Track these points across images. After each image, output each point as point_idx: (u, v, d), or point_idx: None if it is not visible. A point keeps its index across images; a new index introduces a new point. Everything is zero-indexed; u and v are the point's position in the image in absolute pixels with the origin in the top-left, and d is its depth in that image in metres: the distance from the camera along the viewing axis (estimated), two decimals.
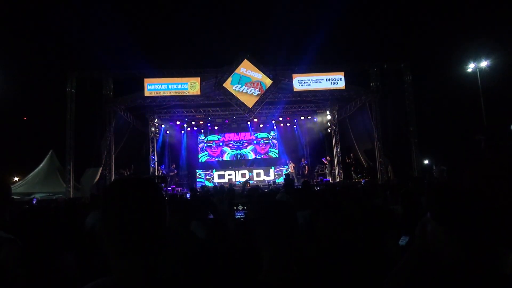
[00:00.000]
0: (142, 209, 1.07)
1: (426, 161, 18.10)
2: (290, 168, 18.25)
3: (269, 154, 21.93)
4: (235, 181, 18.79)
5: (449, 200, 1.37)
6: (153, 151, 17.85)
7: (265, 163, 21.18)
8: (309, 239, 2.78)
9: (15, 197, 16.09)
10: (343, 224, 2.72)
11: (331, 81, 16.26)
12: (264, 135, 21.95)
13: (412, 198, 3.37)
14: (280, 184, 16.74)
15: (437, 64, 17.74)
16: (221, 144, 21.83)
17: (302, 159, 19.75)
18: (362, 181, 15.62)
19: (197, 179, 19.77)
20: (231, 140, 21.93)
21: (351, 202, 3.96)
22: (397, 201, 4.28)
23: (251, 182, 17.86)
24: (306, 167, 19.21)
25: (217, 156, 21.81)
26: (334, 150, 18.91)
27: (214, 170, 20.20)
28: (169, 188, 17.09)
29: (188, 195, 11.10)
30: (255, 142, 21.95)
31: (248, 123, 20.05)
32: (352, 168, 18.13)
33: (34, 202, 11.85)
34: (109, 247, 1.07)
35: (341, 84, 16.31)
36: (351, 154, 18.51)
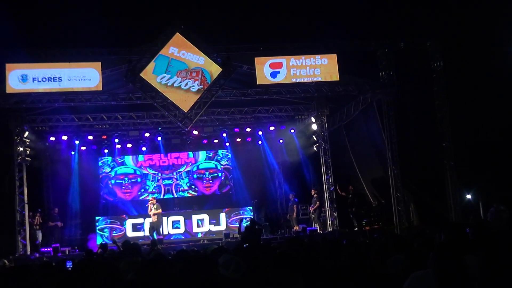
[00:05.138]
0: None
1: (468, 196, 17.32)
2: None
3: (219, 188, 22.02)
4: (165, 234, 18.07)
5: None
6: (21, 185, 16.59)
7: (213, 203, 20.53)
8: None
9: None
10: None
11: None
12: (211, 164, 22.00)
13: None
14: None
15: (483, 42, 17.30)
16: (138, 180, 21.52)
17: (291, 196, 19.78)
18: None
19: (97, 232, 18.46)
20: (154, 166, 21.66)
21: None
22: (421, 264, 4.05)
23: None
24: (294, 207, 19.04)
25: (133, 198, 21.52)
26: (324, 180, 18.37)
27: (127, 216, 19.18)
28: (49, 249, 16.38)
29: (68, 264, 9.99)
30: (195, 169, 21.95)
31: (184, 137, 20.40)
32: (353, 209, 17.75)
33: None
34: None
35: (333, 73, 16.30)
36: (350, 187, 18.25)
